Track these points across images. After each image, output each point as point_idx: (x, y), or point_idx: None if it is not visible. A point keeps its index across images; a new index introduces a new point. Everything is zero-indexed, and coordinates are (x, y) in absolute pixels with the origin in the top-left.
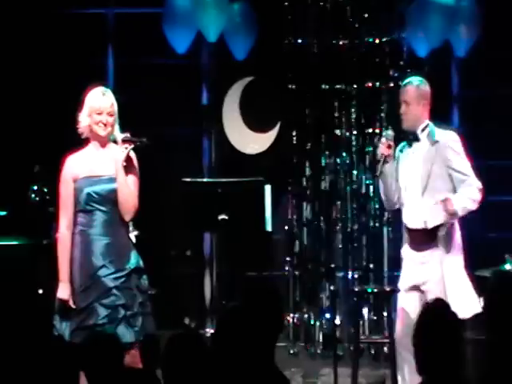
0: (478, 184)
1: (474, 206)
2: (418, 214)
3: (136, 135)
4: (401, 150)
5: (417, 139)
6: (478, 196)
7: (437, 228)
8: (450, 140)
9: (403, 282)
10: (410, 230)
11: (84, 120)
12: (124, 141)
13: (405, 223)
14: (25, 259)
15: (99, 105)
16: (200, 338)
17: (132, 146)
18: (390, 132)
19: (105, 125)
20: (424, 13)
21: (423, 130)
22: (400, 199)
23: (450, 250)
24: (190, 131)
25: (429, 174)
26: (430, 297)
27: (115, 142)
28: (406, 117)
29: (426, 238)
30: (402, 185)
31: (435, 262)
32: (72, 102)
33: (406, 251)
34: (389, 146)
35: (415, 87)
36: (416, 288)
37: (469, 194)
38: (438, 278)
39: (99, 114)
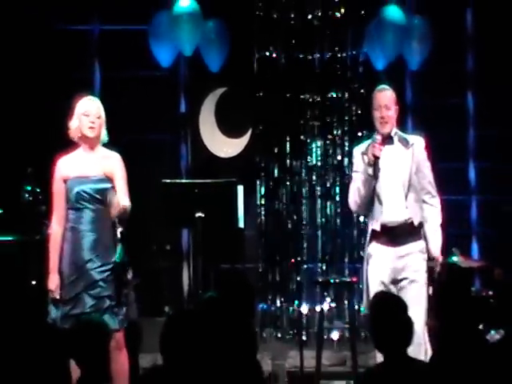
0: (438, 200)
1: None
2: (402, 211)
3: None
4: (364, 153)
5: (392, 142)
6: (440, 217)
7: (419, 224)
8: (423, 145)
9: (380, 275)
10: (390, 228)
11: (74, 124)
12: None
13: (384, 221)
14: (18, 254)
15: (86, 108)
16: (197, 317)
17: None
18: (378, 136)
19: (92, 126)
20: (380, 30)
21: (395, 134)
22: (371, 202)
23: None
24: (169, 137)
25: (410, 174)
26: (413, 285)
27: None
28: (388, 120)
29: (409, 233)
30: (380, 186)
31: (417, 251)
32: (61, 111)
33: (377, 248)
34: (379, 149)
35: (391, 92)
36: (394, 282)
37: (438, 223)
38: (421, 265)
39: (87, 116)
